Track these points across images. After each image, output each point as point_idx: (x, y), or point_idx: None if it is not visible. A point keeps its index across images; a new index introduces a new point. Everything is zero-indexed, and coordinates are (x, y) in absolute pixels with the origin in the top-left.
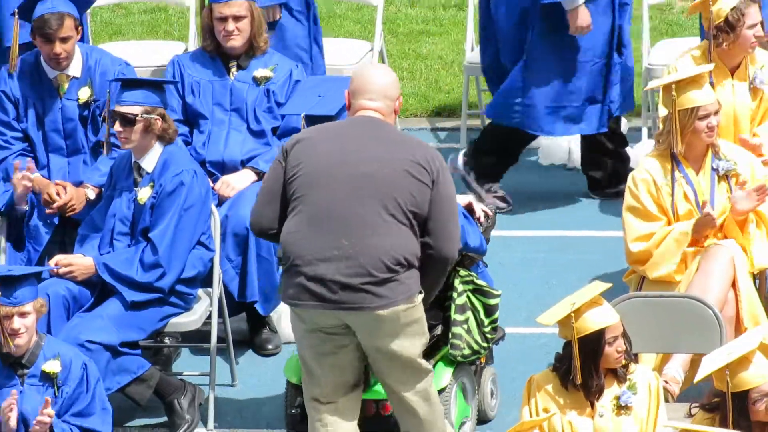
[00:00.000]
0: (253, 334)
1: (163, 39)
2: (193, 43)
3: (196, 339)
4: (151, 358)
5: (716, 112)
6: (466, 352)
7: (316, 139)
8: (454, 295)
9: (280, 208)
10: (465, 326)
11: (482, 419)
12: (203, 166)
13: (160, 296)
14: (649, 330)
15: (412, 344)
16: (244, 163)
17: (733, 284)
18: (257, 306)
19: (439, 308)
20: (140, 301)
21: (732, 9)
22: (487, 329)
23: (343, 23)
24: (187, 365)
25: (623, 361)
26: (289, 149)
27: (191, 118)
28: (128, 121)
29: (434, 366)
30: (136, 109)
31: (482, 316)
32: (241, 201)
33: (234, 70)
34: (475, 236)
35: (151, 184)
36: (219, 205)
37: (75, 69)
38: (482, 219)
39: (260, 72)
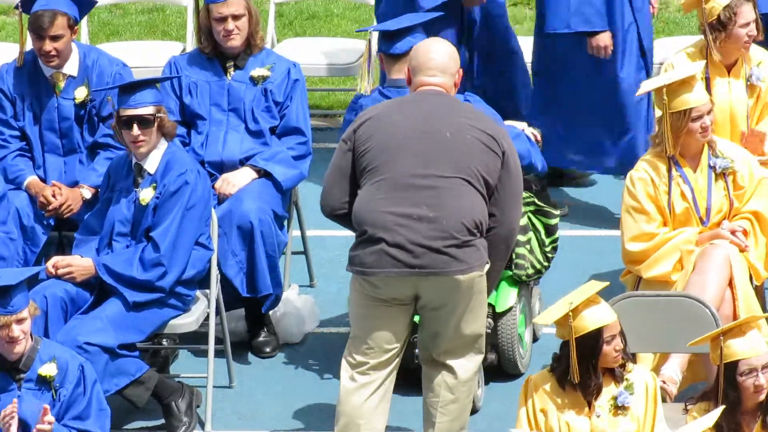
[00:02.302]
0: (252, 336)
1: (161, 39)
2: (191, 43)
3: (194, 341)
4: (149, 360)
5: (709, 112)
6: (530, 271)
7: (384, 113)
8: None
9: (349, 186)
10: (528, 246)
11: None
12: (202, 166)
13: (160, 297)
14: (646, 329)
15: (477, 319)
16: (242, 163)
17: (730, 283)
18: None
19: None
20: (139, 302)
21: (725, 7)
22: (548, 249)
23: (341, 22)
24: (185, 367)
25: (621, 361)
26: (357, 127)
27: (189, 119)
28: (147, 122)
29: (498, 287)
30: (150, 110)
31: (543, 236)
32: (243, 196)
33: (231, 70)
34: (539, 158)
35: (154, 185)
36: (219, 203)
37: (72, 68)
38: (538, 140)
39: (257, 71)
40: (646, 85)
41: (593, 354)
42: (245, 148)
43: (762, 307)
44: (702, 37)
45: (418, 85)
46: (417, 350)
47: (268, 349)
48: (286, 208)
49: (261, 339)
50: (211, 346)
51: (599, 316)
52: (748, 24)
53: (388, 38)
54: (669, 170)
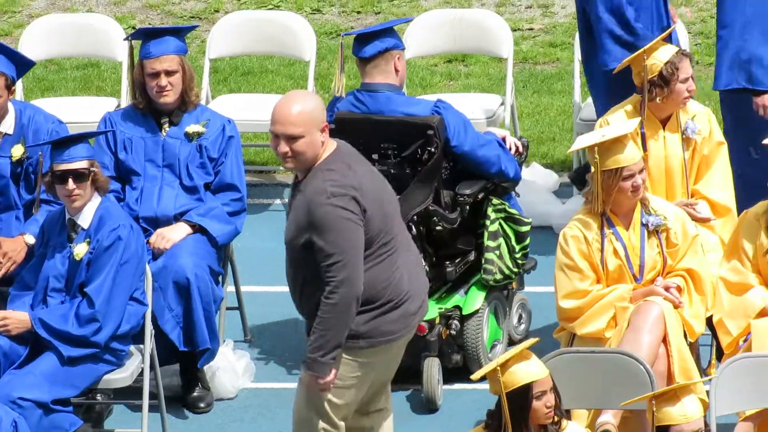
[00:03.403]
0: (186, 391)
1: (96, 95)
2: (126, 98)
3: (129, 396)
4: (83, 416)
5: (641, 171)
6: (498, 276)
7: (361, 176)
8: (487, 222)
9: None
10: (497, 252)
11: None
12: (136, 222)
13: (94, 352)
14: (580, 386)
15: None
16: (177, 219)
17: (664, 340)
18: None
19: (472, 235)
20: (74, 357)
21: (666, 63)
22: (518, 255)
23: (276, 78)
24: (120, 422)
25: (554, 417)
26: (360, 200)
27: (124, 175)
28: (81, 176)
29: (468, 290)
30: (84, 164)
31: (513, 242)
32: (179, 252)
33: (166, 126)
34: (511, 165)
35: (87, 240)
36: (154, 259)
37: (8, 126)
38: (519, 150)
39: (192, 127)
40: (580, 142)
41: (523, 410)
42: (180, 203)
43: (696, 363)
44: (637, 94)
45: (330, 143)
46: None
47: (202, 405)
48: (221, 264)
49: (195, 394)
50: (146, 401)
51: (529, 371)
52: (687, 79)
53: (358, 42)
54: (601, 228)
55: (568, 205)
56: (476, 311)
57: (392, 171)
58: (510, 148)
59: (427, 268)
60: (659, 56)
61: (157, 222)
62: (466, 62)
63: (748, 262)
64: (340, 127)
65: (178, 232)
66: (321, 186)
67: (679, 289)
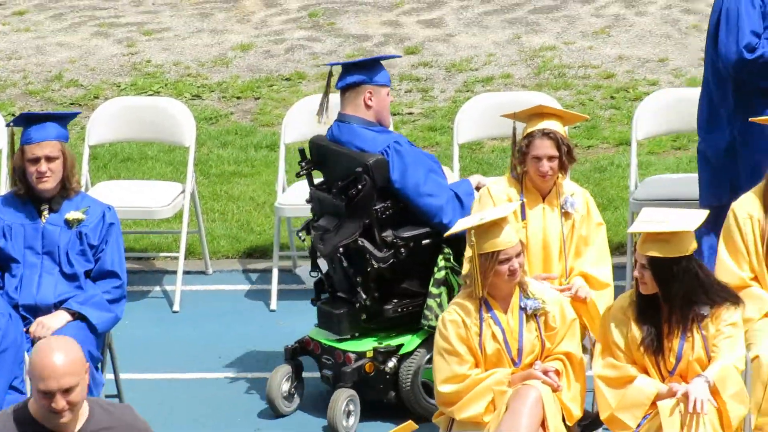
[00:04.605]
0: None
1: None
2: (5, 185)
3: None
4: None
5: (519, 254)
6: (434, 323)
7: None
8: (435, 269)
9: None
10: (438, 300)
11: None
12: (16, 310)
13: None
14: None
15: None
16: (57, 306)
17: (543, 423)
18: None
19: (425, 280)
20: None
21: (526, 134)
22: None
23: (155, 165)
24: None
25: None
26: None
27: (3, 262)
28: None
29: (415, 332)
30: None
31: (456, 293)
32: None
33: (46, 213)
34: (456, 219)
35: None
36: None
37: None
38: None
39: (72, 214)
40: (460, 224)
41: None
42: (60, 291)
43: None
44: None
45: None
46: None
47: None
48: (101, 351)
49: None
50: None
51: None
52: (539, 159)
53: (341, 72)
54: (480, 312)
55: None
56: (412, 352)
57: (333, 201)
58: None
59: (367, 303)
60: (530, 125)
61: (36, 310)
62: None
63: (622, 354)
64: (311, 149)
65: (58, 319)
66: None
67: (557, 372)
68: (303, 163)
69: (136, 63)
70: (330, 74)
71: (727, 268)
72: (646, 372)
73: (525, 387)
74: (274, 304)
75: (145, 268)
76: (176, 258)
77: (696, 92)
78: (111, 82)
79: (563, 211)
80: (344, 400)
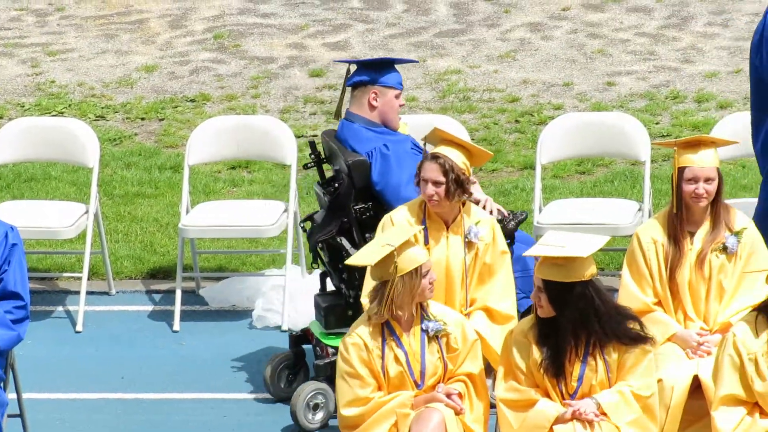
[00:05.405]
0: None
1: None
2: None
3: None
4: None
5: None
6: None
7: None
8: None
9: None
10: None
11: None
12: None
13: None
14: None
15: None
16: None
17: None
18: None
19: None
20: None
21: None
22: None
23: (59, 185)
24: None
25: None
26: None
27: None
28: None
29: None
30: None
31: None
32: None
33: None
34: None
35: None
36: None
37: None
38: (503, 213)
39: None
40: (365, 257)
41: None
42: None
43: None
44: None
45: None
46: None
47: None
48: (4, 370)
49: None
50: None
51: None
52: (426, 182)
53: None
54: (382, 334)
55: None
56: None
57: (324, 197)
58: (491, 213)
59: (351, 300)
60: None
61: None
62: (249, 168)
63: (524, 377)
64: (322, 144)
65: None
66: None
67: (460, 395)
68: (312, 155)
69: (40, 83)
70: (347, 72)
71: (630, 293)
72: (548, 395)
73: (428, 410)
74: (177, 325)
75: (48, 288)
76: (79, 278)
77: (600, 116)
78: (15, 102)
79: (467, 240)
80: (309, 392)
